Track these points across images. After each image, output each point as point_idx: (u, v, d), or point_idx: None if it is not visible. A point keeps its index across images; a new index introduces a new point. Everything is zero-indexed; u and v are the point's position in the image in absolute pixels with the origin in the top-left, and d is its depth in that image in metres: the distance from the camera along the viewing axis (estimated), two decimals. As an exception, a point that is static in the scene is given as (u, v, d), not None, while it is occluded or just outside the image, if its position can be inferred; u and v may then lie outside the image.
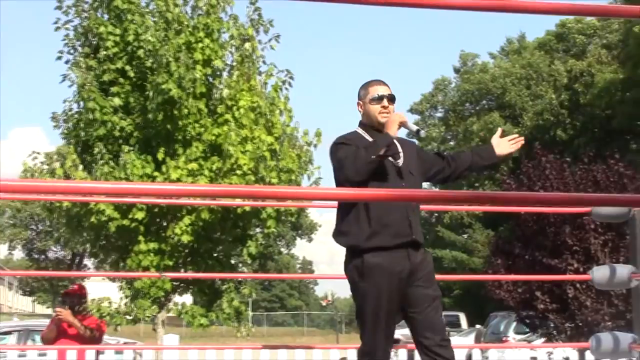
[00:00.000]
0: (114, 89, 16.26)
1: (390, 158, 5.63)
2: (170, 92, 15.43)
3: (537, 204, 7.93)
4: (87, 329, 10.29)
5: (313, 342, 45.51)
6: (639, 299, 6.98)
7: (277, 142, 16.35)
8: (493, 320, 32.70)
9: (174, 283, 16.56)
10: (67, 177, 15.64)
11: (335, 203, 6.10)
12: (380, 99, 5.74)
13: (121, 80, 16.39)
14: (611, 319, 16.78)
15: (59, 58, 16.68)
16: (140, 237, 15.88)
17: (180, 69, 15.59)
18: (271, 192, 5.04)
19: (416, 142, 6.38)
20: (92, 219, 15.41)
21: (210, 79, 16.78)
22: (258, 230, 17.55)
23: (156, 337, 16.39)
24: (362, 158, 5.50)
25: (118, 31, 16.37)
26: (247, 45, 16.90)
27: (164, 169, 15.79)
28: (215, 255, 17.20)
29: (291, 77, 17.15)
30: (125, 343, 17.87)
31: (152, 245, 15.96)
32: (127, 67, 16.36)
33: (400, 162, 5.71)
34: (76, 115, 16.52)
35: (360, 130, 5.84)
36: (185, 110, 15.83)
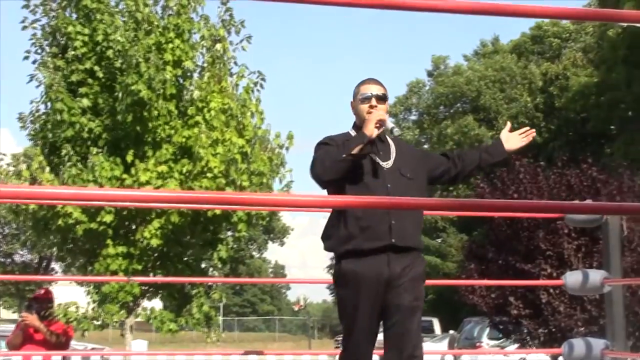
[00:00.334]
0: (82, 90, 16.17)
1: (377, 159, 5.55)
2: (139, 93, 15.38)
3: (512, 211, 7.96)
4: (54, 334, 10.24)
5: (285, 348, 45.45)
6: (611, 305, 7.03)
7: (248, 144, 16.32)
8: (467, 326, 32.86)
9: (143, 287, 16.48)
10: (33, 179, 15.54)
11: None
12: (368, 98, 5.66)
13: (90, 80, 16.31)
14: (584, 324, 16.90)
15: (26, 58, 16.56)
16: (109, 241, 15.80)
17: (150, 70, 15.54)
18: (242, 199, 5.03)
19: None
20: (59, 222, 15.32)
21: (181, 80, 16.73)
22: (229, 233, 17.50)
23: (124, 342, 16.32)
24: (332, 157, 5.45)
25: (87, 31, 16.28)
26: (218, 46, 16.86)
27: (133, 171, 15.73)
28: (185, 259, 17.14)
29: (263, 79, 17.13)
30: (92, 349, 17.82)
31: (121, 248, 15.88)
32: (96, 68, 16.28)
33: (389, 163, 5.60)
34: (43, 116, 16.40)
35: (352, 131, 5.77)
36: (155, 112, 15.77)
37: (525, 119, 44.67)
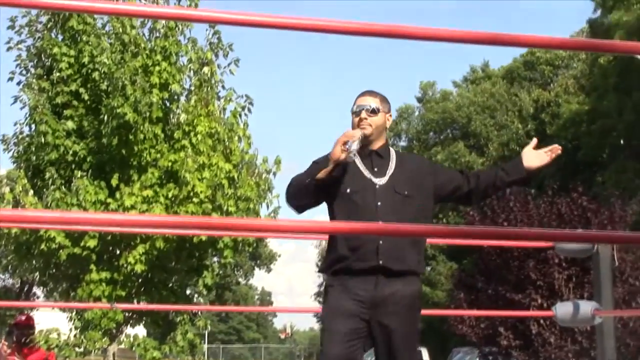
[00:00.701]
0: (67, 112, 16.18)
1: (370, 176, 5.31)
2: (125, 116, 15.38)
3: (503, 239, 7.98)
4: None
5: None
6: (602, 337, 7.03)
7: (235, 169, 16.32)
8: (456, 356, 32.74)
9: (126, 314, 16.41)
10: (16, 202, 15.48)
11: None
12: (357, 112, 5.42)
13: (75, 103, 16.32)
14: (575, 356, 16.90)
15: (11, 79, 16.58)
16: (92, 266, 15.75)
17: (136, 93, 15.56)
18: (229, 224, 4.99)
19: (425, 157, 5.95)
20: (42, 246, 15.26)
21: (168, 104, 16.76)
22: (215, 259, 17.46)
23: (106, 370, 16.23)
24: (299, 180, 5.32)
25: (73, 52, 16.32)
26: (205, 69, 16.90)
27: (117, 195, 15.70)
28: (169, 285, 17.09)
29: (251, 103, 17.16)
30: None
31: (104, 274, 15.83)
32: (82, 90, 16.30)
33: (383, 179, 5.31)
34: (27, 139, 16.39)
35: None
36: (141, 135, 15.77)
37: (517, 145, 44.83)
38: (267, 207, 17.06)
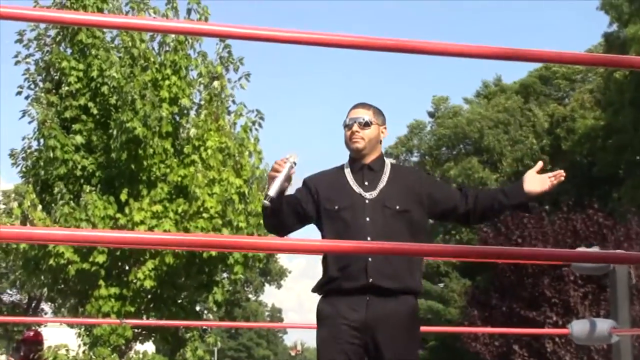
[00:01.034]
0: (76, 127, 16.21)
1: (360, 190, 5.16)
2: (135, 130, 15.40)
3: (518, 259, 7.95)
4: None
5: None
6: (619, 355, 6.99)
7: (246, 184, 16.31)
8: (469, 374, 32.63)
9: (136, 330, 16.40)
10: (25, 217, 15.51)
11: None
12: (349, 125, 5.31)
13: (84, 117, 16.35)
14: (591, 374, 16.82)
15: (19, 93, 16.62)
16: (101, 282, 15.74)
17: (145, 107, 15.58)
18: (241, 243, 4.97)
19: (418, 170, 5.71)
20: (51, 262, 15.27)
21: (177, 118, 16.77)
22: (225, 275, 17.45)
23: (115, 387, 16.20)
24: (262, 211, 5.22)
25: (81, 66, 16.35)
26: (215, 83, 16.92)
27: (127, 210, 15.70)
28: (179, 301, 17.08)
29: (261, 118, 17.16)
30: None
31: (113, 290, 15.82)
32: (91, 104, 16.33)
33: (373, 194, 5.16)
34: (36, 153, 16.42)
35: (346, 163, 5.42)
36: (151, 150, 15.79)
37: (531, 161, 44.73)
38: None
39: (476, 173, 48.48)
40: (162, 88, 16.26)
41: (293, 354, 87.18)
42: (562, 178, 5.29)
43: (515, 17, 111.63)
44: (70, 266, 15.37)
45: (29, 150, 16.57)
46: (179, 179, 16.04)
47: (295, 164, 5.02)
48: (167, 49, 16.76)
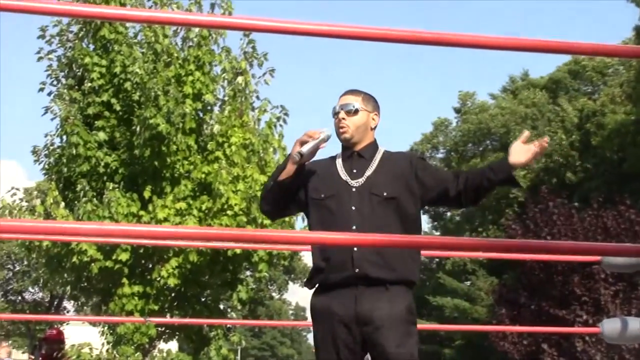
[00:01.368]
0: (98, 123, 16.27)
1: (347, 178, 5.02)
2: (158, 127, 15.44)
3: (546, 253, 7.88)
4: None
5: (305, 394, 45.15)
6: (651, 354, 6.95)
7: (270, 181, 16.28)
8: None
9: (159, 329, 16.46)
10: (47, 215, 15.59)
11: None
12: (335, 112, 5.19)
13: (107, 113, 16.41)
14: (622, 374, 16.73)
15: (42, 89, 16.70)
16: (124, 280, 15.81)
17: (169, 103, 15.62)
18: (264, 236, 4.96)
19: (412, 156, 5.42)
20: (74, 260, 15.34)
21: (201, 114, 16.81)
22: (248, 273, 17.47)
23: (138, 386, 16.27)
24: (266, 185, 5.19)
25: (104, 62, 16.41)
26: (239, 79, 16.93)
27: (150, 208, 15.75)
28: (203, 299, 17.12)
29: (286, 114, 17.18)
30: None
31: (137, 288, 15.87)
32: (113, 100, 16.39)
33: (360, 181, 5.00)
34: (58, 150, 16.49)
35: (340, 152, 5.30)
36: (174, 147, 15.83)
37: (559, 157, 44.54)
38: (303, 219, 17.04)
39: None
40: (185, 84, 16.29)
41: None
42: (546, 144, 5.12)
43: (545, 11, 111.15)
44: (93, 264, 15.44)
45: (51, 147, 16.64)
46: (203, 175, 16.08)
47: (329, 137, 5.04)
48: (191, 44, 16.80)
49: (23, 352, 71.16)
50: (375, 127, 5.27)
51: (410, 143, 58.39)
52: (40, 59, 16.72)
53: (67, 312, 60.05)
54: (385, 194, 4.98)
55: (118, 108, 16.43)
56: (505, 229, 23.42)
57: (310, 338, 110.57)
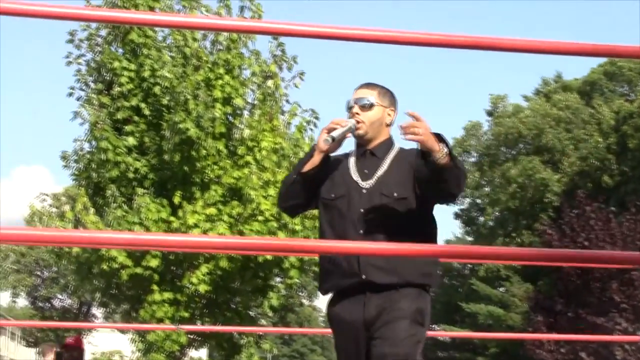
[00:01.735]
0: (128, 128, 16.32)
1: (358, 178, 4.85)
2: (188, 131, 15.47)
3: (584, 262, 7.80)
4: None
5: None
6: (695, 363, 6.88)
7: (301, 186, 16.26)
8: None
9: (190, 336, 16.47)
10: (77, 221, 15.65)
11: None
12: (350, 107, 4.98)
13: (136, 118, 16.45)
14: (663, 383, 16.57)
15: (71, 94, 16.78)
16: (154, 287, 15.84)
17: (198, 107, 15.64)
18: (296, 246, 4.92)
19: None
20: (103, 266, 15.39)
21: (231, 118, 16.81)
22: (277, 279, 17.47)
23: (169, 394, 16.29)
24: (287, 178, 5.01)
25: (133, 66, 16.45)
26: (269, 82, 16.95)
27: (180, 213, 15.77)
28: (233, 306, 17.12)
29: (316, 117, 17.19)
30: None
31: (167, 295, 15.89)
32: (143, 105, 16.42)
33: (371, 182, 4.83)
34: (88, 155, 16.55)
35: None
36: (204, 151, 15.85)
37: (595, 160, 44.26)
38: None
39: (537, 173, 48.04)
40: (215, 88, 16.30)
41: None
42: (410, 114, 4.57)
43: (582, 12, 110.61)
44: (123, 270, 15.48)
45: (80, 153, 16.71)
46: (233, 180, 16.08)
47: (354, 127, 4.85)
48: (220, 47, 16.82)
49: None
50: (392, 123, 5.04)
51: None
52: (69, 63, 16.81)
53: (96, 319, 60.37)
54: (395, 194, 4.79)
55: (147, 112, 16.47)
56: (540, 234, 23.27)
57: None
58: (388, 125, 5.02)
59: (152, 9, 16.54)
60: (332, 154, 4.94)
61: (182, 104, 15.72)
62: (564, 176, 45.94)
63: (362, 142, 4.97)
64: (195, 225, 15.47)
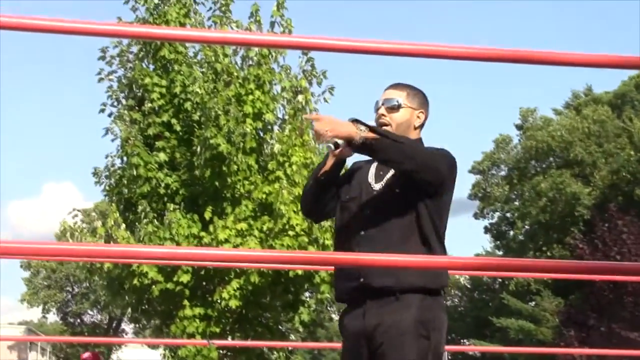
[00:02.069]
0: (159, 144, 16.40)
1: (371, 180, 4.71)
2: (219, 147, 15.52)
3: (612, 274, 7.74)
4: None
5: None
6: None
7: (332, 201, 16.25)
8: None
9: (221, 351, 16.48)
10: (109, 236, 15.72)
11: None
12: (376, 108, 4.83)
13: (167, 134, 16.53)
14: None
15: (102, 111, 16.89)
16: (185, 302, 15.87)
17: (229, 123, 15.69)
18: (327, 259, 4.87)
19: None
20: (135, 282, 15.45)
21: (261, 134, 16.86)
22: (307, 294, 17.45)
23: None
24: (305, 185, 4.93)
25: (164, 82, 16.54)
26: (299, 97, 16.97)
27: (211, 229, 15.81)
28: (264, 321, 17.12)
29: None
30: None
31: (198, 310, 15.92)
32: (174, 121, 16.51)
33: (382, 183, 4.69)
34: (119, 171, 16.65)
35: None
36: (235, 167, 15.89)
37: (627, 173, 43.99)
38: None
39: (568, 187, 47.78)
40: (245, 103, 16.34)
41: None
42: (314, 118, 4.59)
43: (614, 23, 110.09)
44: (154, 286, 15.53)
45: (112, 169, 16.81)
46: (264, 196, 16.09)
47: (340, 146, 4.56)
48: (251, 63, 16.88)
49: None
50: (421, 125, 4.85)
51: (471, 162, 58.05)
52: (100, 80, 16.92)
53: (126, 334, 60.55)
54: (402, 197, 4.59)
55: (178, 128, 16.55)
56: (572, 248, 23.14)
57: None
58: (417, 127, 4.83)
59: (183, 25, 16.65)
60: (361, 158, 4.81)
61: (213, 120, 15.77)
62: (595, 189, 45.64)
63: None
64: (226, 241, 15.50)
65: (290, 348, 17.43)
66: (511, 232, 54.71)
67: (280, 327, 17.79)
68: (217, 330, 16.03)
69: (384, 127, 4.69)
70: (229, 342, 16.57)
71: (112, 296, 16.76)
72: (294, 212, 15.76)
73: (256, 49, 16.58)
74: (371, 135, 4.41)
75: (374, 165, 4.77)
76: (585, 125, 49.48)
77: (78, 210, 17.22)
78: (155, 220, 15.89)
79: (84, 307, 65.40)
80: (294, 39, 3.99)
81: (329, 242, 15.80)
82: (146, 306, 16.79)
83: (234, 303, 15.70)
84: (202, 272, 15.74)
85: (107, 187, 16.91)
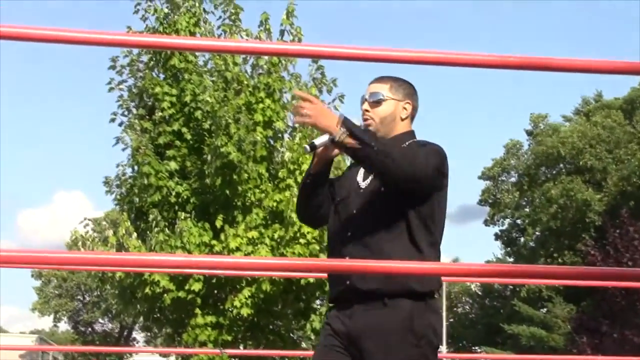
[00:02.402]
0: (169, 153, 16.42)
1: (360, 178, 4.53)
2: (229, 155, 15.52)
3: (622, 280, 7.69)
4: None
5: None
6: None
7: (343, 208, 16.26)
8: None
9: (232, 360, 16.48)
10: (120, 245, 15.74)
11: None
12: (361, 102, 4.67)
13: (177, 143, 16.55)
14: None
15: (113, 120, 16.91)
16: (197, 310, 15.87)
17: (240, 131, 15.70)
18: (337, 267, 4.82)
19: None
20: (146, 290, 15.46)
21: (272, 142, 16.87)
22: (318, 302, 17.45)
23: (212, 418, 16.28)
24: (298, 189, 4.77)
25: (174, 91, 16.57)
26: (310, 105, 16.95)
27: (222, 237, 15.82)
28: (276, 330, 17.11)
29: (357, 140, 17.14)
30: None
31: (210, 318, 15.92)
32: (184, 129, 16.53)
33: (368, 181, 4.50)
34: (130, 180, 16.68)
35: None
36: (245, 175, 15.89)
37: (638, 180, 43.86)
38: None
39: (578, 193, 47.66)
40: (256, 111, 16.36)
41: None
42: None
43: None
44: (166, 295, 15.54)
45: (123, 178, 16.84)
46: (275, 204, 16.10)
47: (328, 143, 4.39)
48: (261, 71, 16.90)
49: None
50: (410, 117, 4.67)
51: (481, 168, 57.95)
52: (111, 89, 16.96)
53: (137, 343, 60.56)
54: (388, 194, 4.37)
55: (189, 137, 16.57)
56: (583, 255, 23.07)
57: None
58: (404, 119, 4.63)
59: (192, 34, 16.67)
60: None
61: (224, 128, 15.79)
62: (606, 196, 45.54)
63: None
64: (237, 249, 15.51)
65: (302, 356, 17.40)
66: (522, 239, 54.59)
67: (292, 335, 17.78)
68: (229, 338, 16.04)
69: (368, 126, 4.53)
70: (240, 350, 16.54)
71: (124, 305, 16.77)
72: (305, 220, 15.73)
73: (266, 57, 16.60)
74: (350, 141, 4.20)
75: None
76: (595, 131, 49.39)
77: (89, 220, 17.22)
78: (167, 229, 15.91)
79: (95, 316, 65.47)
80: (304, 47, 3.98)
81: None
82: (158, 315, 16.80)
83: (245, 311, 15.70)
84: (214, 281, 15.74)
85: (118, 196, 16.94)
